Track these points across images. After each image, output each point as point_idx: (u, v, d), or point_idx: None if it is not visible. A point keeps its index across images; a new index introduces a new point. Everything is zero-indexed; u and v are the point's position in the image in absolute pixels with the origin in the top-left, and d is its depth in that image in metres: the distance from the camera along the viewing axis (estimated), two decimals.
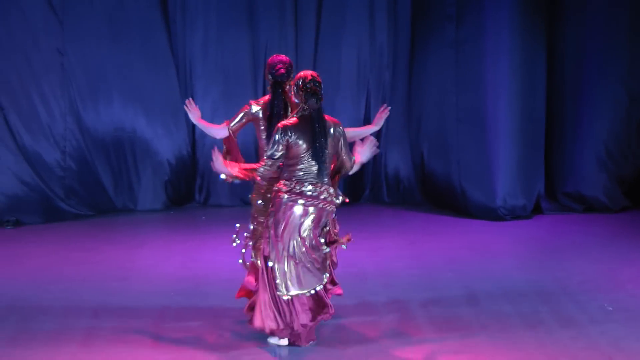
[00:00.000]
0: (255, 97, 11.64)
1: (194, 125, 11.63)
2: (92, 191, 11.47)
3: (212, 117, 11.26)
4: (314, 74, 6.54)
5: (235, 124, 6.92)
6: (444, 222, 11.02)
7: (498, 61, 10.81)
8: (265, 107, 6.91)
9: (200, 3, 11.60)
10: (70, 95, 11.25)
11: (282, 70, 6.86)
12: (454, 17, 11.04)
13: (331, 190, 6.55)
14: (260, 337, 6.77)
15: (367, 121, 11.42)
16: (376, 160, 12.05)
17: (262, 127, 6.90)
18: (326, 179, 6.54)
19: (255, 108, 6.93)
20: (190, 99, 7.18)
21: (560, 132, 11.47)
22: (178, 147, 11.70)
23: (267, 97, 6.97)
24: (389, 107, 7.09)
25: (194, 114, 7.08)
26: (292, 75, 6.88)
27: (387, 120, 11.90)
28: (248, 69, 11.77)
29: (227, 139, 7.02)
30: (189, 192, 12.04)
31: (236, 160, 6.97)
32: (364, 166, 11.81)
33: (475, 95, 10.98)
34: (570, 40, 11.29)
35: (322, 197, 6.48)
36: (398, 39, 11.88)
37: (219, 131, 6.97)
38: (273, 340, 6.66)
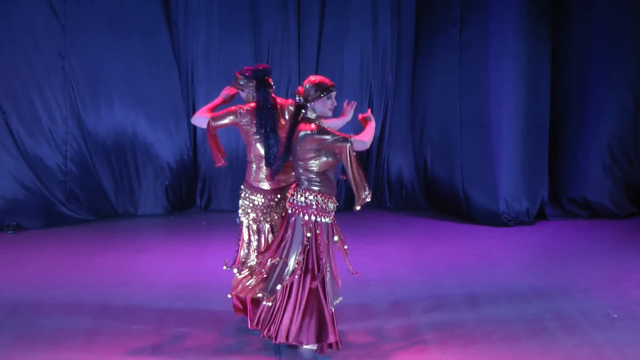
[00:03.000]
0: None
1: (195, 129, 11.62)
2: (93, 196, 11.45)
3: None
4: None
5: (218, 121, 6.95)
6: (447, 227, 10.98)
7: (502, 65, 10.77)
8: (253, 113, 6.97)
9: (203, 6, 11.58)
10: (71, 99, 11.23)
11: (249, 71, 7.00)
12: (458, 20, 11.00)
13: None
14: (261, 344, 6.73)
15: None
16: (379, 165, 12.01)
17: (253, 130, 6.96)
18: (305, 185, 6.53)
19: (242, 113, 6.96)
20: None
21: (565, 136, 11.43)
22: (179, 151, 11.67)
23: (253, 104, 7.01)
24: (354, 102, 6.99)
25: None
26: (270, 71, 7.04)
27: (390, 124, 11.98)
28: None
29: (208, 131, 7.06)
30: (190, 196, 12.01)
31: (218, 149, 7.05)
32: (365, 171, 11.88)
33: (479, 99, 10.94)
34: (575, 44, 11.26)
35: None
36: (401, 42, 11.86)
37: (196, 119, 7.02)
38: (309, 347, 6.62)
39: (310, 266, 6.46)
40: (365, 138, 6.41)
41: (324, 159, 6.44)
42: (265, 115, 6.95)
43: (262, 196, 7.03)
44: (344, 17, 11.75)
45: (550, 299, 7.92)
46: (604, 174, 11.32)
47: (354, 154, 6.36)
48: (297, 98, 6.54)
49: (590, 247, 9.90)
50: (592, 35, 11.18)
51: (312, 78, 6.57)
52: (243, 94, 7.12)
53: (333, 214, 6.53)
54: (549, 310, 7.55)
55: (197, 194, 12.03)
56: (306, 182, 6.49)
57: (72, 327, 7.18)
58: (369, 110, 6.70)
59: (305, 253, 6.47)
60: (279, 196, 7.02)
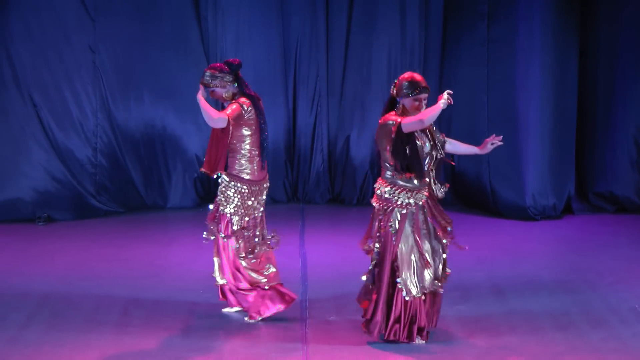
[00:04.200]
0: (286, 95, 11.75)
1: None
2: (122, 188, 11.52)
3: None
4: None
5: (232, 116, 6.96)
6: (473, 221, 10.97)
7: (530, 60, 10.75)
8: (253, 106, 7.04)
9: (232, 0, 11.62)
10: (101, 92, 11.31)
11: (226, 66, 7.03)
12: (486, 15, 10.99)
13: None
14: (288, 334, 6.79)
15: None
16: None
17: (255, 123, 7.04)
18: None
19: (246, 108, 7.00)
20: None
21: (592, 131, 11.40)
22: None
23: (242, 99, 7.06)
24: (500, 137, 6.88)
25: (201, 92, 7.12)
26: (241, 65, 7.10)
27: None
28: (279, 67, 11.78)
29: (218, 133, 7.05)
30: None
31: (223, 155, 7.15)
32: None
33: (506, 94, 10.92)
34: (603, 39, 11.22)
35: None
36: (429, 37, 11.84)
37: (220, 121, 6.90)
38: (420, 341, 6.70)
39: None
40: (422, 117, 6.32)
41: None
42: (260, 107, 7.07)
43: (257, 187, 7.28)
44: (372, 12, 11.76)
45: (577, 292, 7.92)
46: (631, 168, 11.28)
47: (404, 134, 6.37)
48: (392, 90, 6.60)
49: (617, 242, 9.88)
50: (619, 31, 11.13)
51: (407, 75, 6.53)
52: (220, 91, 7.07)
53: (408, 205, 6.57)
54: (575, 304, 7.55)
55: None
56: (387, 172, 6.57)
57: (102, 318, 7.25)
58: (445, 93, 6.37)
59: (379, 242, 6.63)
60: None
